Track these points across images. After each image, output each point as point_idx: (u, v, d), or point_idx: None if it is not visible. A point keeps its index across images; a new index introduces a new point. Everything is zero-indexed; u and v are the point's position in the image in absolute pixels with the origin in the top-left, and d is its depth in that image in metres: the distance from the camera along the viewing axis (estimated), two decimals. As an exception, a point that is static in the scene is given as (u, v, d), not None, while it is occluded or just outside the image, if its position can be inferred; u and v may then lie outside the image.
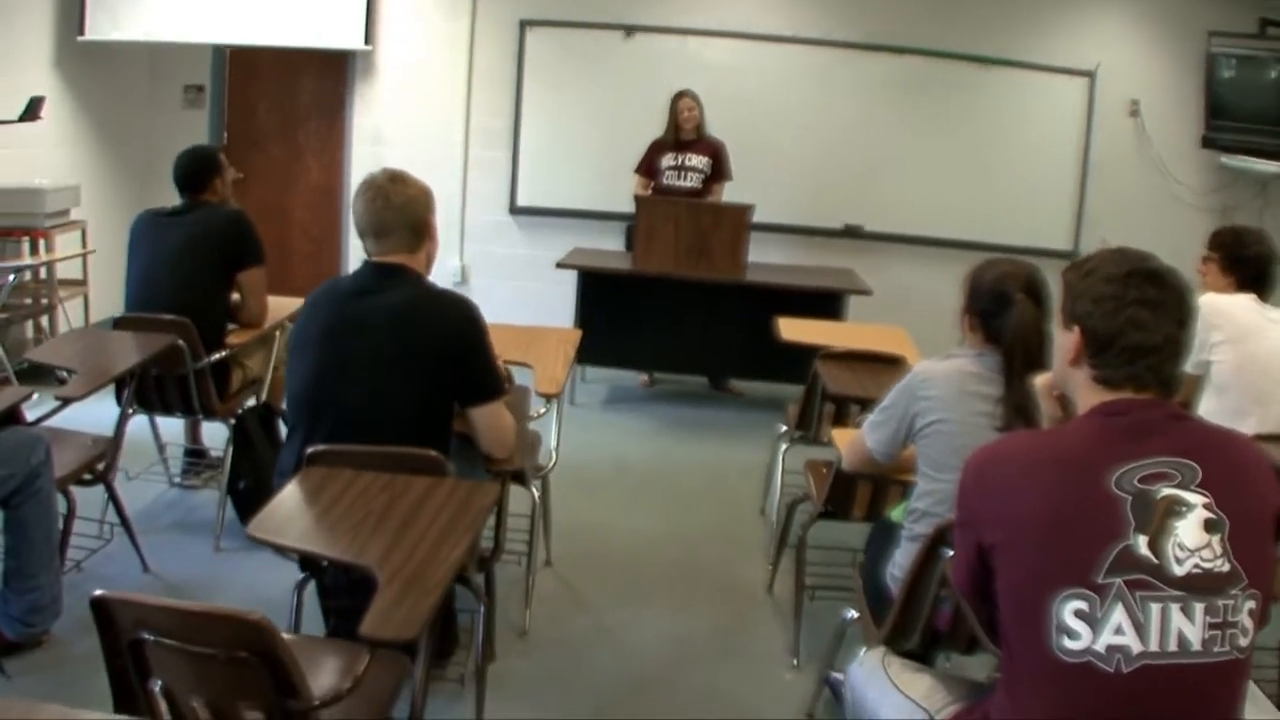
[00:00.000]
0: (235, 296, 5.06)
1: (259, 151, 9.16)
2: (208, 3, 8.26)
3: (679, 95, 7.50)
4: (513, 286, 8.84)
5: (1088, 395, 2.12)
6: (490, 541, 3.55)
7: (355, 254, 8.41)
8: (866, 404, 4.45)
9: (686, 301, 7.07)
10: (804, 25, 8.55)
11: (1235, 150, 8.34)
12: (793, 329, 5.49)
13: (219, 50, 8.90)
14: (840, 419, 4.70)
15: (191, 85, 8.97)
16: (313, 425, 3.24)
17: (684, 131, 7.47)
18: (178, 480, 5.48)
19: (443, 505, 2.79)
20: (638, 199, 7.12)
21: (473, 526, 2.70)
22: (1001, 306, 3.08)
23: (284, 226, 9.18)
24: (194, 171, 5.10)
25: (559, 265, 6.97)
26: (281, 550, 2.83)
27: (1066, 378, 2.22)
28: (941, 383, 3.11)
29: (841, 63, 8.53)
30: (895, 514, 3.55)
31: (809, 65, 8.55)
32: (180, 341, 4.54)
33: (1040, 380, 2.56)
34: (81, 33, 7.91)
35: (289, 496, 2.87)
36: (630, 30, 8.53)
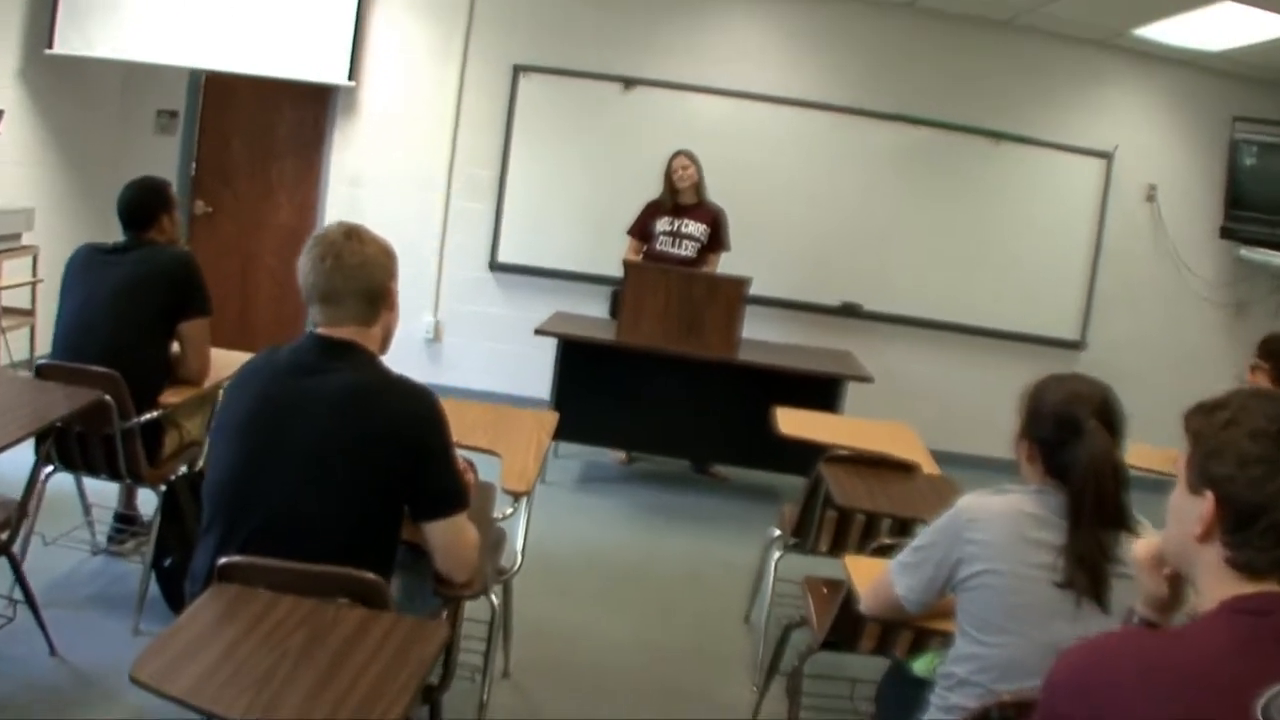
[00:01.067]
0: (175, 348, 4.49)
1: (229, 186, 8.66)
2: (185, 24, 7.80)
3: (675, 155, 7.02)
4: (488, 348, 8.33)
5: (1218, 583, 1.60)
6: (440, 669, 2.98)
7: None
8: (874, 518, 3.98)
9: (673, 378, 6.58)
10: (810, 88, 8.11)
11: (1254, 242, 7.99)
12: (792, 422, 4.96)
13: (195, 75, 8.42)
14: (842, 530, 4.16)
15: (165, 110, 8.47)
16: (230, 528, 2.66)
17: (681, 193, 7.00)
18: (103, 547, 4.90)
19: (377, 649, 2.25)
20: (627, 264, 6.63)
21: (411, 684, 2.16)
22: (1069, 435, 2.53)
23: (249, 268, 8.68)
24: (140, 205, 4.55)
25: (538, 331, 6.45)
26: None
27: (1187, 554, 1.68)
28: (993, 525, 2.55)
29: (847, 129, 8.08)
30: (920, 666, 2.99)
31: (813, 130, 8.10)
32: (107, 397, 4.00)
33: (1143, 550, 1.98)
34: (50, 46, 7.44)
35: (190, 622, 2.33)
36: (629, 83, 8.07)
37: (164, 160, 8.30)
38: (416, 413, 2.70)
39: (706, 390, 6.59)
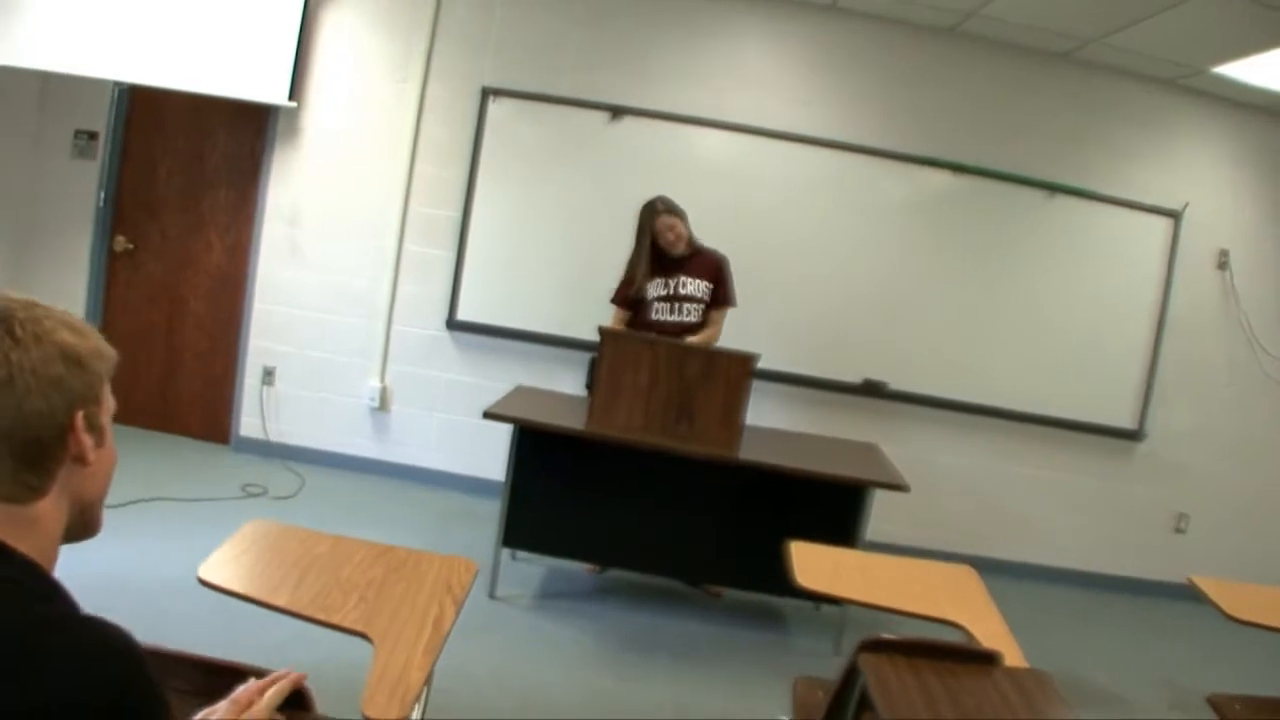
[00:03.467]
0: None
1: (154, 220, 7.38)
2: (108, 31, 6.61)
3: (653, 212, 5.70)
4: (441, 421, 7.01)
5: None
6: None
7: (257, 357, 6.74)
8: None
9: (657, 477, 5.19)
10: (831, 125, 6.81)
11: (1339, 319, 6.82)
12: (813, 565, 3.60)
13: (119, 90, 7.19)
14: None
15: (84, 130, 7.19)
16: None
17: (673, 246, 5.63)
18: None
19: None
20: (602, 332, 5.23)
21: None
22: None
23: (175, 316, 7.39)
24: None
25: (486, 415, 5.02)
26: None
27: None
28: None
29: (873, 174, 6.77)
30: None
31: (833, 174, 6.78)
32: None
33: None
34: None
35: None
36: (617, 112, 6.76)
37: (80, 187, 7.21)
38: (97, 679, 1.29)
39: (699, 494, 5.21)
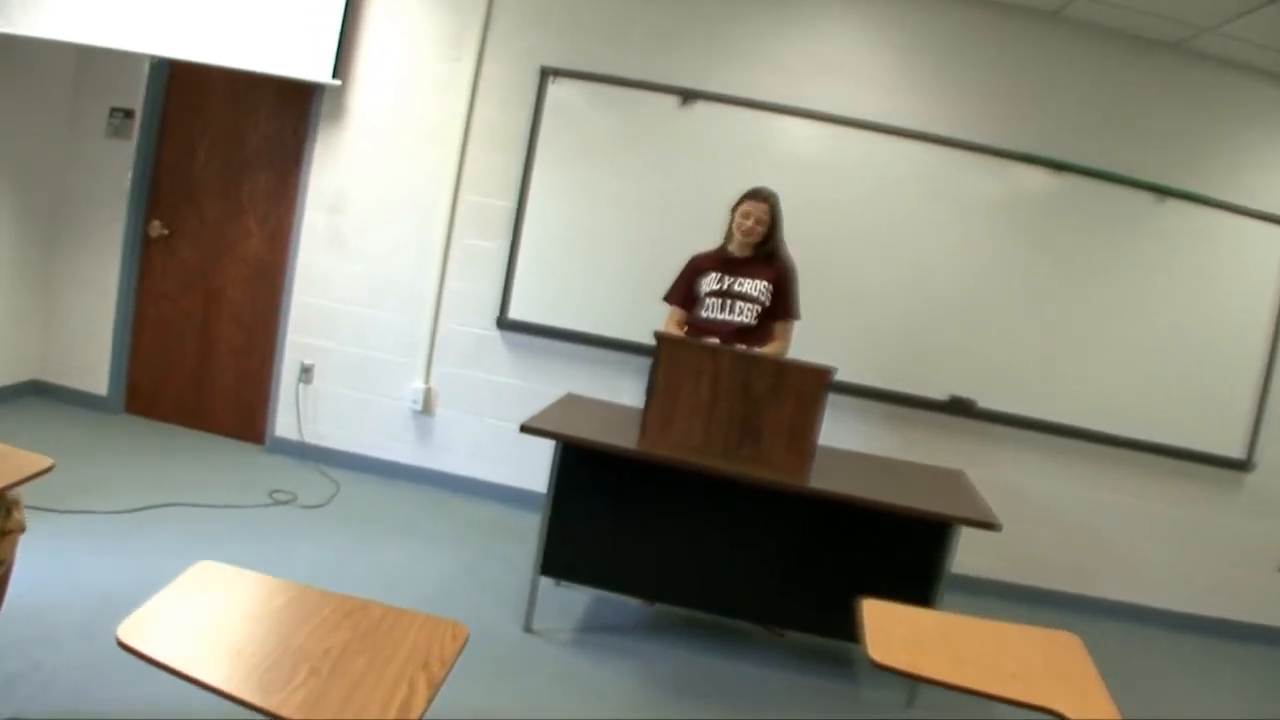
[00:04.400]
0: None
1: (192, 204, 6.91)
2: (148, 4, 6.18)
3: (750, 195, 5.08)
4: (488, 428, 6.46)
5: None
6: None
7: (294, 353, 6.22)
8: None
9: (716, 503, 4.56)
10: (920, 115, 6.17)
11: None
12: (888, 631, 2.96)
13: (158, 67, 6.76)
14: None
15: (119, 108, 6.72)
16: None
17: (740, 244, 5.02)
18: None
19: None
20: (658, 337, 4.63)
21: None
22: None
23: (211, 306, 6.93)
24: None
25: (524, 429, 4.41)
26: None
27: None
28: None
29: (965, 171, 6.10)
30: None
31: (921, 169, 6.12)
32: None
33: None
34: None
35: None
36: (688, 96, 6.16)
37: (115, 169, 6.79)
38: None
39: (762, 523, 4.57)
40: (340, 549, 5.36)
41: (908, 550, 4.41)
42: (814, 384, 4.43)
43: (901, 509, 4.24)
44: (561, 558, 4.57)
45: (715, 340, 4.90)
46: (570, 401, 5.16)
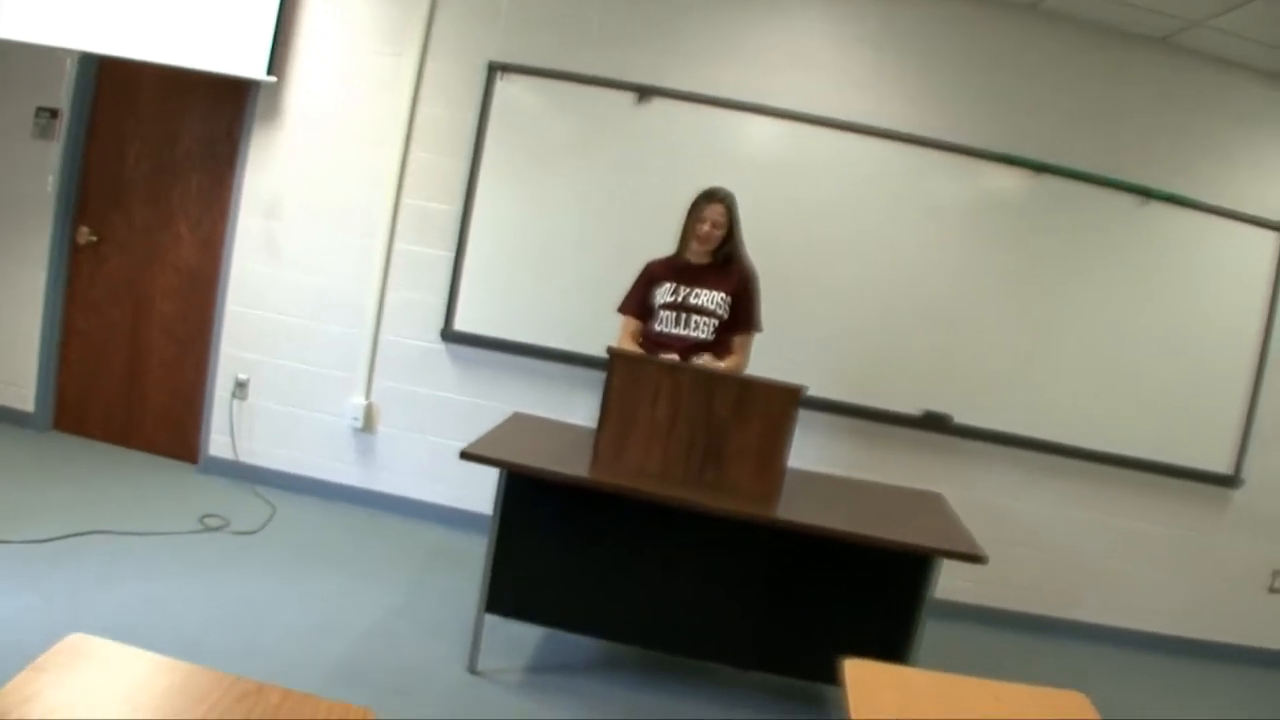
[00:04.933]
0: None
1: (121, 209, 6.44)
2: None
3: (705, 197, 4.64)
4: (432, 446, 6.03)
5: None
6: None
7: (228, 367, 5.79)
8: None
9: (676, 534, 4.13)
10: (892, 113, 5.80)
11: None
12: (874, 696, 2.54)
13: (86, 65, 6.30)
14: None
15: (45, 108, 6.22)
16: None
17: (696, 252, 4.60)
18: None
19: None
20: (611, 353, 4.18)
21: None
22: None
23: (141, 317, 6.47)
24: None
25: (464, 455, 3.97)
26: None
27: None
28: None
29: (940, 171, 5.72)
30: None
31: (893, 170, 5.75)
32: None
33: None
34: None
35: None
36: (646, 93, 5.73)
37: (39, 172, 6.29)
38: None
39: (727, 555, 4.15)
40: (273, 580, 4.93)
41: (885, 584, 4.01)
42: (783, 404, 4.02)
43: (880, 542, 3.83)
44: (508, 593, 4.14)
45: (674, 356, 4.47)
46: (517, 422, 4.72)
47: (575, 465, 4.05)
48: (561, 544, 4.15)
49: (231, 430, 6.26)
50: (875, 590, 4.02)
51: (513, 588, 4.14)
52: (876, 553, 3.88)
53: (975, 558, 3.81)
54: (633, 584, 4.15)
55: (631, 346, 4.68)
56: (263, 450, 6.27)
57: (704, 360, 4.47)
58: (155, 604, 4.41)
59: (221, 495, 5.97)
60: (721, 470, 4.05)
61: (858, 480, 4.90)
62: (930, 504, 4.57)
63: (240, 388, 6.24)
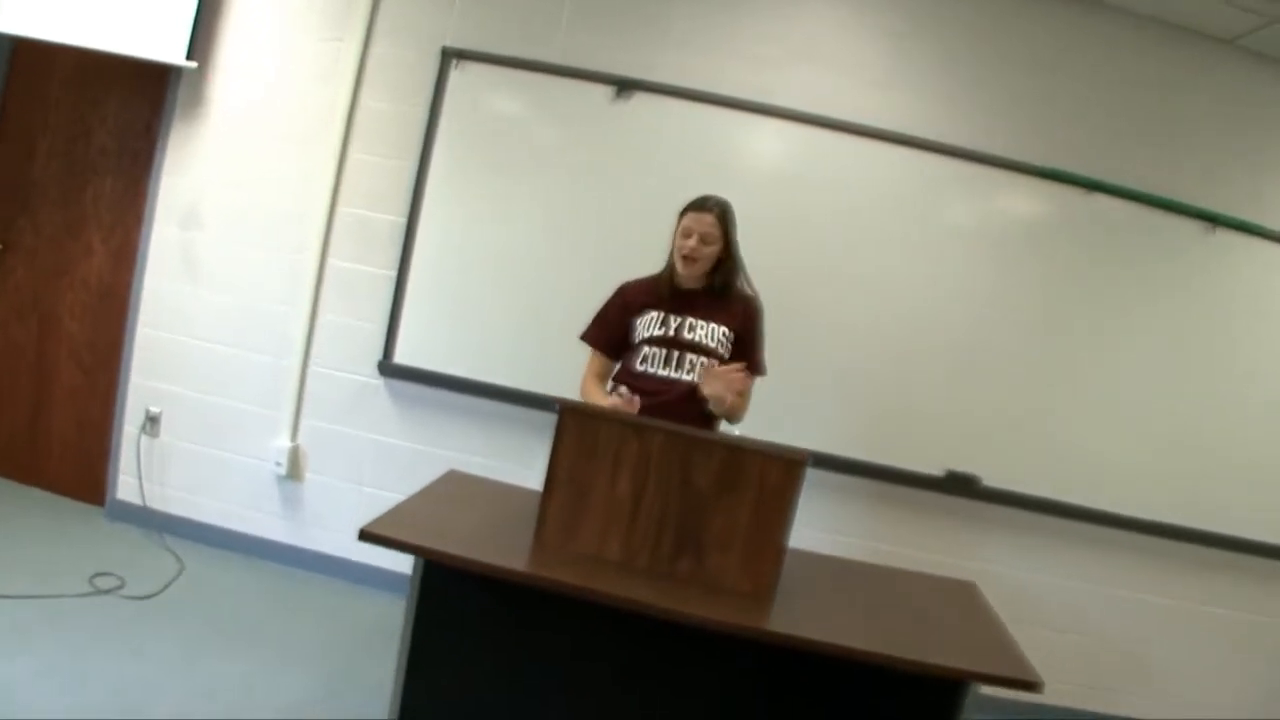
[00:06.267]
0: None
1: (28, 213, 5.54)
2: None
3: (690, 206, 3.65)
4: (369, 498, 5.05)
5: None
6: None
7: (138, 399, 4.73)
8: None
9: (644, 646, 3.07)
10: (916, 119, 4.82)
11: None
12: None
13: (-4, 49, 5.30)
14: None
15: (-54, 100, 5.28)
16: None
17: (685, 276, 3.58)
18: None
19: None
20: (562, 409, 3.13)
21: None
22: None
23: (47, 338, 5.57)
24: None
25: (363, 536, 2.91)
26: None
27: None
28: None
29: (975, 187, 4.75)
30: None
31: (919, 185, 4.77)
32: None
33: None
34: None
35: None
36: (625, 87, 4.73)
37: None
38: None
39: (708, 673, 3.09)
40: (162, 659, 3.97)
41: (909, 709, 2.98)
42: (783, 476, 3.01)
43: (905, 664, 2.80)
44: (425, 716, 3.11)
45: (624, 401, 3.47)
46: (451, 483, 3.69)
47: (513, 549, 3.03)
48: (494, 655, 3.11)
49: (139, 472, 5.27)
50: (896, 716, 3.00)
51: (430, 709, 3.11)
52: (899, 671, 2.86)
53: (1027, 684, 2.79)
54: (587, 706, 3.11)
55: (596, 391, 3.67)
56: (175, 496, 5.29)
57: (707, 370, 3.48)
58: (3, 691, 3.47)
59: (125, 547, 5.04)
60: (701, 560, 3.03)
61: (872, 566, 3.85)
62: (963, 598, 3.55)
63: (151, 423, 5.26)
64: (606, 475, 3.04)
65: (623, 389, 3.56)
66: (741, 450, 3.02)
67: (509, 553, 2.98)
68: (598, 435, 3.05)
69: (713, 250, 3.62)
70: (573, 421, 3.06)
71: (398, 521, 3.04)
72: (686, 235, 3.59)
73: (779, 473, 3.00)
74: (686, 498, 3.03)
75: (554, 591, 2.85)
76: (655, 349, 3.63)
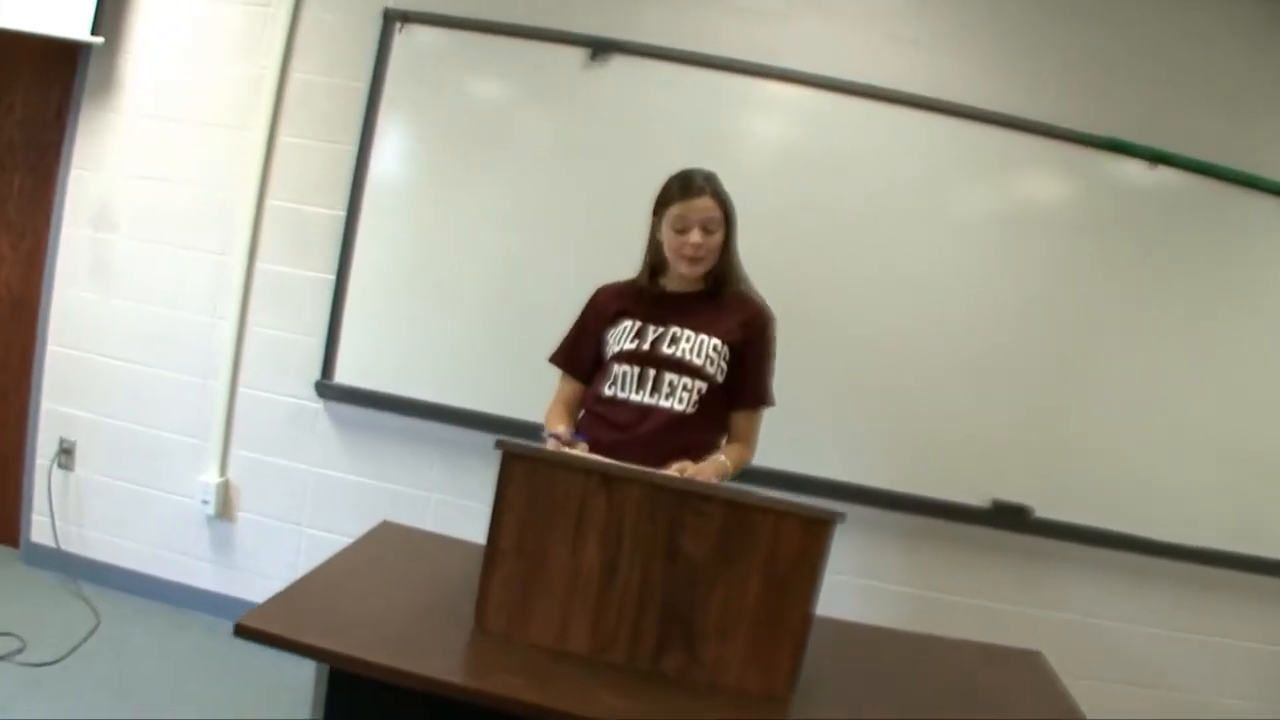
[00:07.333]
0: None
1: (-68, 214, 4.67)
2: None
3: (682, 187, 2.78)
4: (310, 541, 4.27)
5: None
6: None
7: (51, 427, 3.98)
8: None
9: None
10: (955, 79, 3.96)
11: None
12: None
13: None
14: None
15: None
16: None
17: (681, 277, 2.79)
18: None
19: None
20: (506, 453, 2.29)
21: None
22: None
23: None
24: None
25: (239, 631, 2.11)
26: None
27: None
28: None
29: (1020, 160, 3.94)
30: None
31: (954, 157, 3.97)
32: None
33: None
34: None
35: None
36: (602, 48, 3.92)
37: None
38: None
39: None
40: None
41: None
42: (803, 541, 2.20)
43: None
44: None
45: (574, 442, 2.66)
46: (382, 541, 2.88)
47: (447, 642, 2.22)
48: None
49: (51, 510, 4.48)
50: None
51: None
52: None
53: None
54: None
55: (560, 424, 2.86)
56: (93, 538, 4.53)
57: (681, 472, 2.64)
58: None
59: (36, 597, 4.34)
60: (694, 654, 2.23)
61: (912, 636, 3.00)
62: (1026, 671, 2.73)
63: (65, 455, 4.50)
64: (566, 542, 2.24)
65: (561, 428, 2.74)
66: (747, 506, 2.20)
67: (440, 649, 2.18)
68: (553, 488, 2.23)
69: (719, 239, 2.80)
70: (520, 470, 2.25)
71: (295, 605, 2.24)
72: (682, 230, 2.75)
73: (797, 535, 2.19)
74: (674, 570, 2.22)
75: (497, 710, 2.04)
76: (627, 367, 2.81)
